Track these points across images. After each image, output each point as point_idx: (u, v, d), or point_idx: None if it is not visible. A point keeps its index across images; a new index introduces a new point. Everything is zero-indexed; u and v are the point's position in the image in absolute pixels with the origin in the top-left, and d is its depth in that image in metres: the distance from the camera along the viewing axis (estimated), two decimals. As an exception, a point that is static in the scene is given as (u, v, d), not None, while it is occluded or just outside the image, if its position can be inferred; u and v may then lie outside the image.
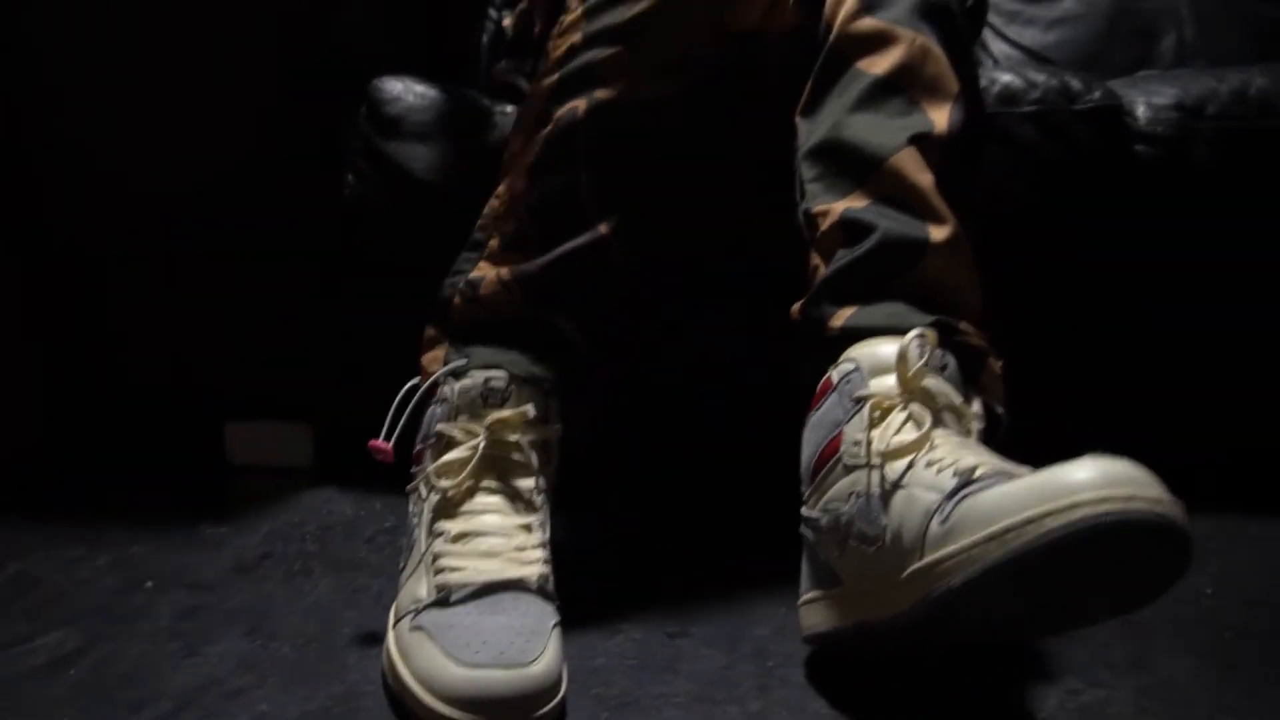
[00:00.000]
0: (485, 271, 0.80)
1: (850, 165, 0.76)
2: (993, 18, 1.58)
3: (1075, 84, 1.00)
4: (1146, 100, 1.00)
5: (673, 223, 0.90)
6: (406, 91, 1.05)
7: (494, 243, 0.81)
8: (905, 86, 0.77)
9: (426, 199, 1.03)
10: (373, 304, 1.06)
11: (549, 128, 0.80)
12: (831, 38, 0.81)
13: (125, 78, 1.04)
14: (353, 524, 0.97)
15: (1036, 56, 1.54)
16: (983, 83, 0.99)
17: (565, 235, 0.79)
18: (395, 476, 0.77)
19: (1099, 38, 1.53)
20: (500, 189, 0.83)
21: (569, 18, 0.83)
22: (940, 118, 0.76)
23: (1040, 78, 1.01)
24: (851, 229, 0.74)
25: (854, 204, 0.75)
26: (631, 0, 0.80)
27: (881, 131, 0.76)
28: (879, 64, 0.78)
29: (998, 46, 1.57)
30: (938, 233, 0.72)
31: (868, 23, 0.79)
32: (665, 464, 1.08)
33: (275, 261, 1.07)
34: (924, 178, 0.73)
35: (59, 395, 1.14)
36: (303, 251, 1.07)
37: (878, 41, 0.78)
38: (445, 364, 0.78)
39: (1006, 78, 1.01)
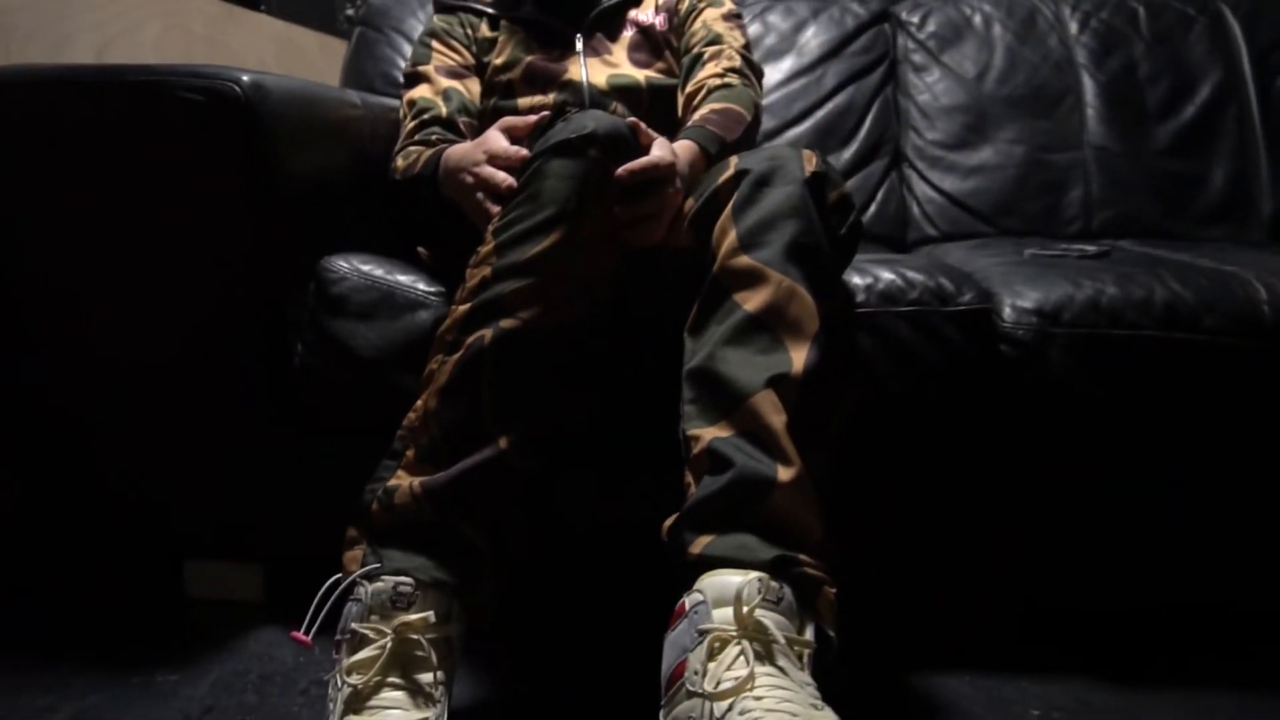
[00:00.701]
0: (400, 481, 0.92)
1: (720, 397, 0.88)
2: (917, 161, 1.71)
3: (948, 285, 1.12)
4: (1012, 302, 1.11)
5: (569, 427, 1.01)
6: (352, 271, 1.16)
7: (410, 454, 0.93)
8: (771, 325, 0.89)
9: (368, 372, 1.14)
10: (320, 458, 1.17)
11: (459, 353, 0.92)
12: (715, 268, 0.93)
13: (106, 269, 1.16)
14: (291, 673, 1.08)
15: (955, 202, 1.67)
16: (866, 279, 1.12)
17: (469, 450, 0.91)
18: (329, 619, 0.88)
19: (1013, 187, 1.65)
20: (418, 403, 0.94)
21: (483, 249, 0.95)
22: (799, 357, 0.87)
23: (919, 278, 1.12)
24: (715, 459, 0.86)
25: (720, 434, 0.87)
26: (538, 237, 0.92)
27: (747, 369, 0.88)
28: (751, 300, 0.90)
29: (921, 189, 1.70)
30: (785, 473, 0.84)
31: (744, 260, 0.91)
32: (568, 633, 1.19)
33: (233, 419, 1.19)
34: (777, 419, 0.85)
35: (36, 530, 1.25)
36: (257, 411, 1.18)
37: (751, 279, 0.90)
38: (362, 565, 0.89)
39: (888, 276, 1.13)
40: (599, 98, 1.32)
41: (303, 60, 1.94)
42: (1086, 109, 1.69)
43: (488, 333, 0.91)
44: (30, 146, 1.14)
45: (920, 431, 1.12)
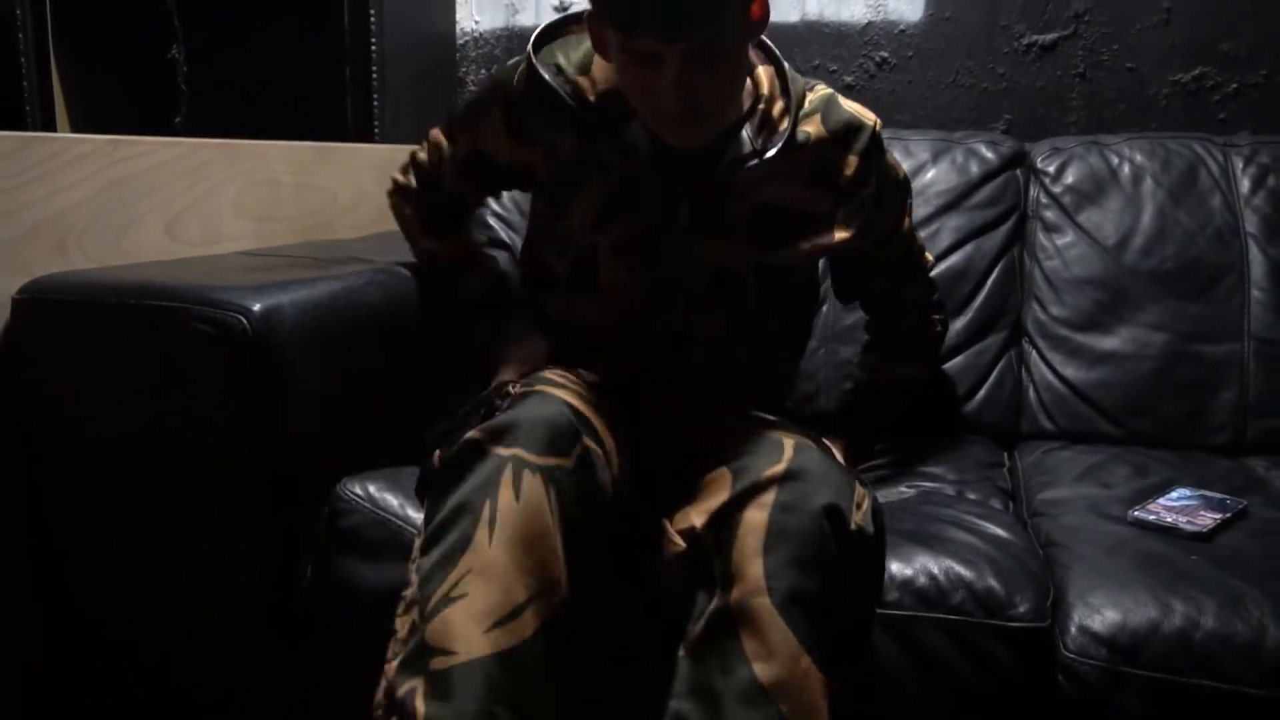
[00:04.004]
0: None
1: None
2: (1039, 339, 1.50)
3: (1000, 590, 0.94)
4: (1081, 621, 0.92)
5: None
6: (366, 501, 1.12)
7: None
8: (779, 700, 0.81)
9: (369, 613, 1.09)
10: (326, 660, 1.14)
11: (391, 704, 0.83)
12: (732, 595, 0.84)
13: (128, 485, 1.17)
14: None
15: (1077, 393, 1.45)
16: (905, 569, 0.97)
17: None
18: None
19: (1148, 383, 1.42)
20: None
21: (408, 593, 0.87)
22: None
23: (967, 575, 0.96)
24: None
25: None
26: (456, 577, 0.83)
27: None
28: (763, 665, 0.82)
29: (1040, 372, 1.49)
30: None
31: (764, 606, 0.83)
32: None
33: (245, 621, 1.17)
34: None
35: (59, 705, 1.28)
36: (267, 616, 1.16)
37: (768, 636, 0.82)
38: None
39: (931, 569, 0.97)
40: (700, 292, 1.10)
41: (409, 178, 1.92)
42: (1251, 291, 1.42)
43: (419, 683, 0.81)
44: (58, 363, 1.15)
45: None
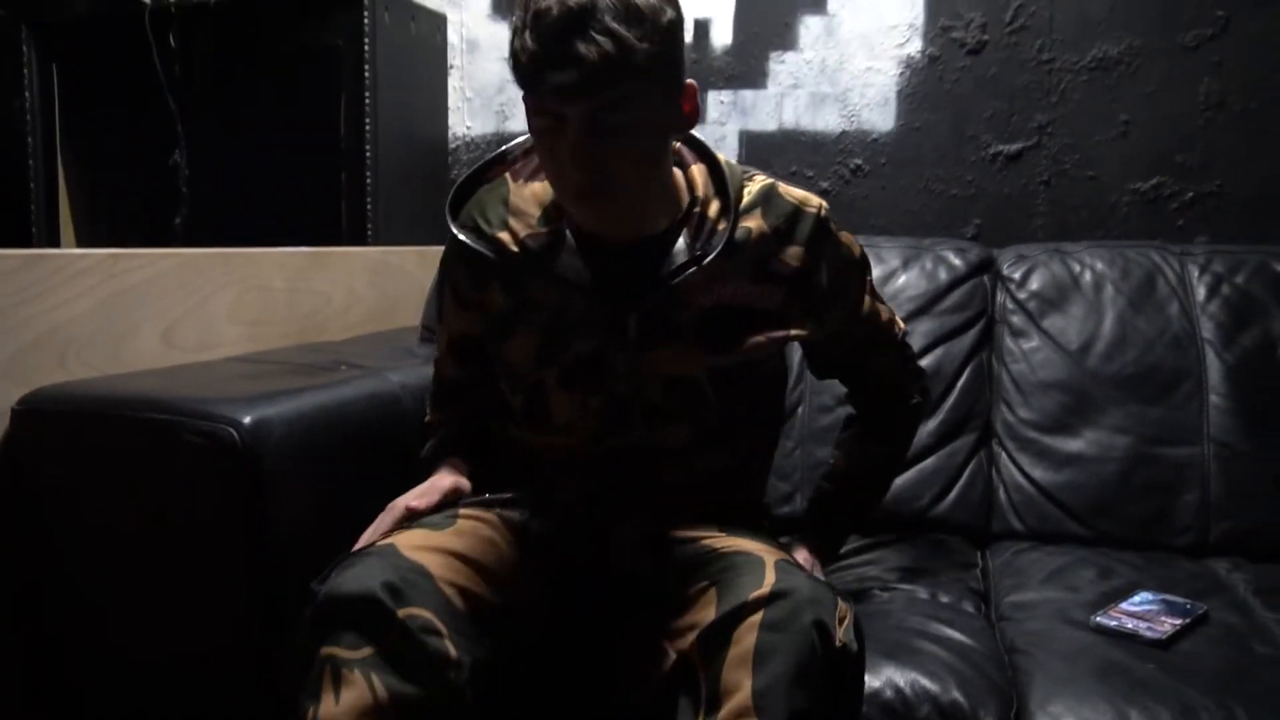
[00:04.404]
0: None
1: None
2: (1007, 440, 1.55)
3: (963, 702, 0.97)
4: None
5: None
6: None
7: None
8: None
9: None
10: None
11: None
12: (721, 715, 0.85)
13: (125, 583, 1.20)
14: None
15: (1046, 494, 1.49)
16: (873, 680, 0.99)
17: None
18: None
19: (1113, 485, 1.46)
20: None
21: None
22: None
23: (932, 688, 0.99)
24: None
25: None
26: None
27: None
28: None
29: (1009, 473, 1.53)
30: None
31: None
32: None
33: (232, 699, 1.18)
34: None
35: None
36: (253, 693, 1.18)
37: None
38: None
39: (897, 681, 1.00)
40: (657, 406, 1.08)
41: (398, 276, 1.98)
42: (1209, 395, 1.47)
43: None
44: (57, 468, 1.19)
45: None
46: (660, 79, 0.96)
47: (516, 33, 0.93)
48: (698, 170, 1.09)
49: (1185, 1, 1.76)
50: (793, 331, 1.11)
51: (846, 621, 0.90)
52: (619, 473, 1.11)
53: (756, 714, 0.84)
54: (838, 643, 0.88)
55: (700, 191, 1.08)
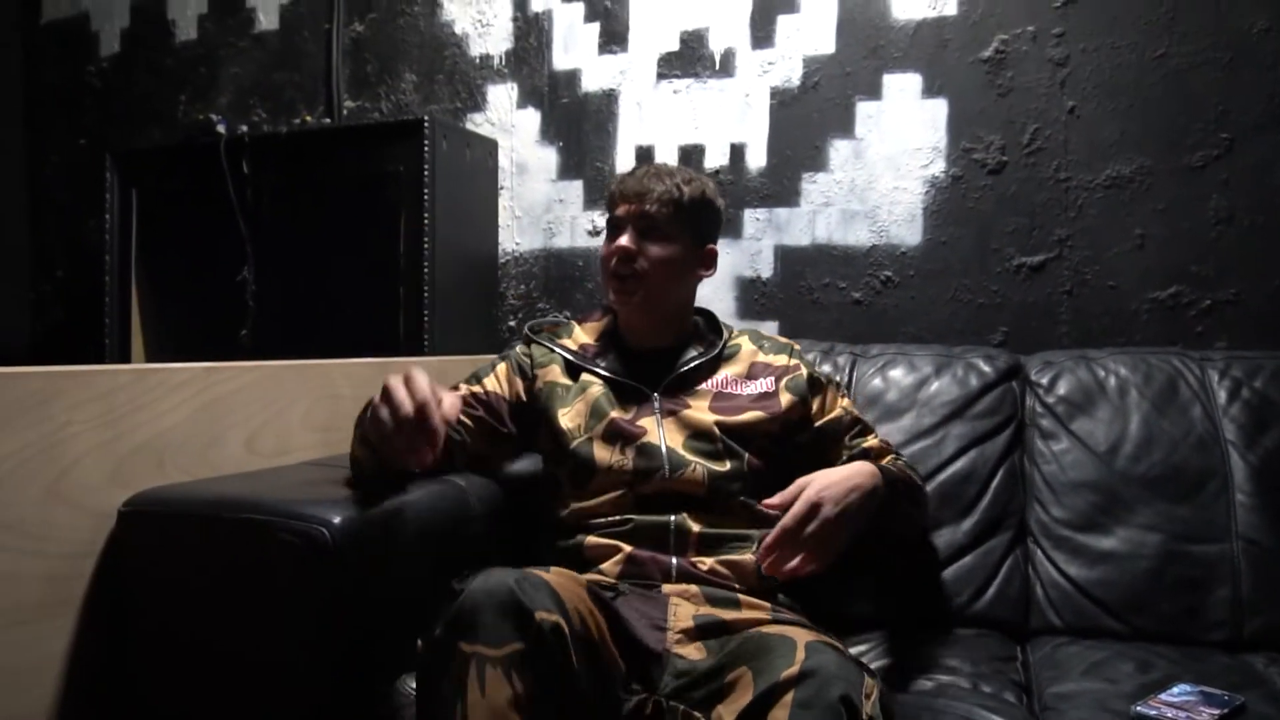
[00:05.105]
0: None
1: None
2: (1042, 539, 1.61)
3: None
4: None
5: None
6: (422, 697, 1.21)
7: None
8: None
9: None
10: None
11: None
12: None
13: (215, 673, 1.28)
14: None
15: (1081, 590, 1.55)
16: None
17: None
18: None
19: (1146, 581, 1.51)
20: None
21: None
22: None
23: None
24: None
25: None
26: None
27: None
28: None
29: (1045, 571, 1.59)
30: None
31: None
32: None
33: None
34: None
35: None
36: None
37: None
38: None
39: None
40: (677, 460, 1.39)
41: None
42: (1235, 494, 1.54)
43: None
44: (157, 566, 1.29)
45: None
46: (696, 223, 1.48)
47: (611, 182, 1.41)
48: (701, 319, 1.60)
49: (1191, 126, 1.89)
50: (784, 400, 1.47)
51: (874, 697, 0.99)
52: (649, 535, 1.35)
53: None
54: (865, 716, 0.95)
55: (703, 327, 1.58)
